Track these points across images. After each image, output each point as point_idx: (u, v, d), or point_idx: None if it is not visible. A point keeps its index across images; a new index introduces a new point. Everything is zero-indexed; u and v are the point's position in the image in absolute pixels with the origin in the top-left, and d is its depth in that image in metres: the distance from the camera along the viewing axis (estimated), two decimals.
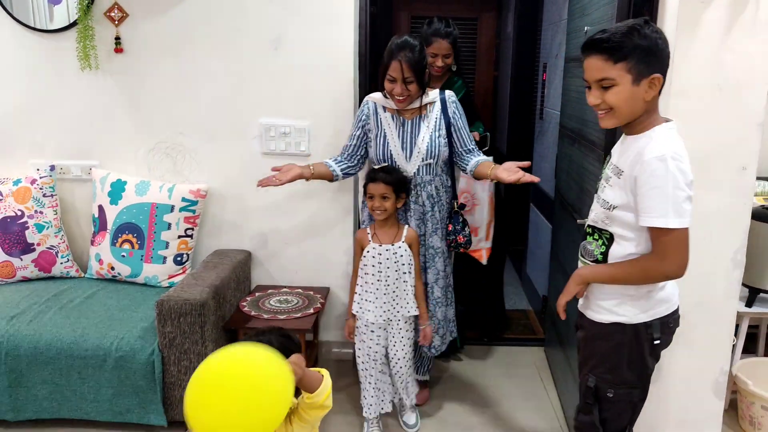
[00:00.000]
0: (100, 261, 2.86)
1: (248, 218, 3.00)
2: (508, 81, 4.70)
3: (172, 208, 2.81)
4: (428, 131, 2.44)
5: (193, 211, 2.86)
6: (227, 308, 2.66)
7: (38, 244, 2.83)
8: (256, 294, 2.88)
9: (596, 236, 1.71)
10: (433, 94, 2.47)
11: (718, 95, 2.02)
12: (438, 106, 2.47)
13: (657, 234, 1.55)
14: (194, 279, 2.57)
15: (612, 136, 2.13)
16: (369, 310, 2.41)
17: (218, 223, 3.01)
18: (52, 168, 2.92)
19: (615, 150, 1.75)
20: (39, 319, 2.47)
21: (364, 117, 2.49)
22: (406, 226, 2.44)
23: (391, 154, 2.44)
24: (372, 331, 2.45)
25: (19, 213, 2.80)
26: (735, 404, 2.69)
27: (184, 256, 2.86)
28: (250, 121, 2.89)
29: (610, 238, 1.67)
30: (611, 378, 1.70)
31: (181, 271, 2.85)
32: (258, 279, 3.07)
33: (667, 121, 1.63)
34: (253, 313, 2.67)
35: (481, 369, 3.11)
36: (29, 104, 2.92)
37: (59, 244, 2.89)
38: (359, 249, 2.44)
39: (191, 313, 2.35)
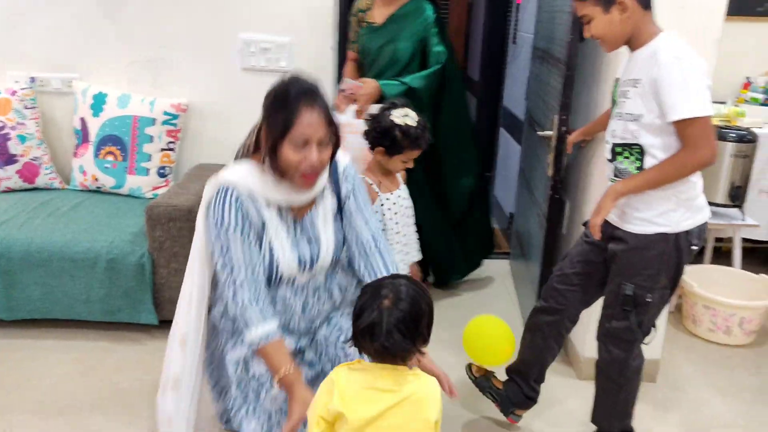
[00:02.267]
0: (84, 172, 2.92)
1: (229, 133, 3.01)
2: (483, 6, 4.75)
3: (154, 121, 2.87)
4: (326, 224, 1.70)
5: (175, 125, 2.92)
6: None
7: (21, 155, 2.87)
8: None
9: (627, 154, 1.77)
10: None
11: (681, 14, 2.15)
12: (326, 183, 1.70)
13: (685, 126, 1.64)
14: (180, 189, 2.66)
15: (575, 51, 2.26)
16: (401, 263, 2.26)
17: (199, 138, 3.08)
18: (33, 80, 2.94)
19: (621, 71, 1.84)
20: (29, 224, 2.56)
21: (240, 216, 1.55)
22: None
23: (280, 272, 1.62)
24: None
25: (0, 124, 2.83)
26: (681, 308, 2.96)
27: (167, 168, 2.94)
28: (231, 36, 2.92)
29: (641, 152, 1.73)
30: (650, 284, 1.78)
31: (164, 184, 2.94)
32: None
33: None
34: None
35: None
36: (8, 15, 2.90)
37: (42, 155, 2.93)
38: None
39: (180, 219, 2.46)
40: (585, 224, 1.98)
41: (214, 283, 1.72)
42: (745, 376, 2.57)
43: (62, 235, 2.51)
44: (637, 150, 1.75)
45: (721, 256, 3.36)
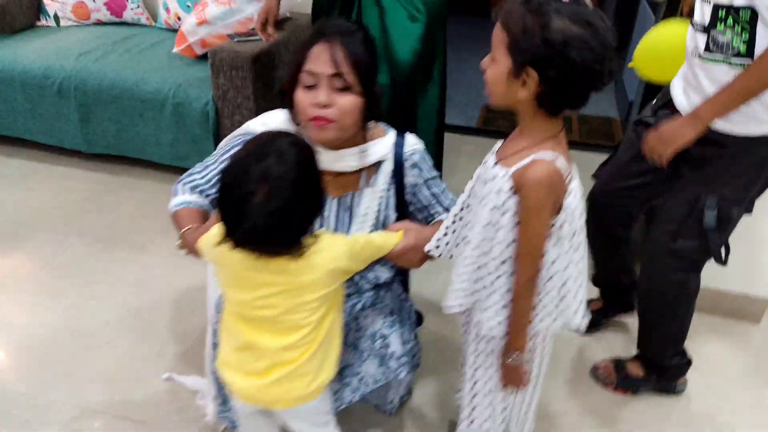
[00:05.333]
0: (168, 10, 2.83)
1: None
2: None
3: None
4: (365, 222, 1.35)
5: None
6: (284, 74, 2.61)
7: None
8: None
9: (730, 21, 1.27)
10: (383, 148, 1.34)
11: None
12: (389, 169, 1.35)
13: None
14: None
15: None
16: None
17: None
18: None
19: None
20: (104, 59, 2.55)
21: None
22: None
23: None
24: None
25: None
26: None
27: None
28: None
29: (752, 18, 1.23)
30: (737, 196, 1.43)
31: None
32: None
33: None
34: None
35: None
36: None
37: None
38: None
39: (243, 68, 2.32)
40: (637, 123, 1.60)
41: None
42: None
43: (133, 72, 2.48)
44: (747, 17, 1.24)
45: None
